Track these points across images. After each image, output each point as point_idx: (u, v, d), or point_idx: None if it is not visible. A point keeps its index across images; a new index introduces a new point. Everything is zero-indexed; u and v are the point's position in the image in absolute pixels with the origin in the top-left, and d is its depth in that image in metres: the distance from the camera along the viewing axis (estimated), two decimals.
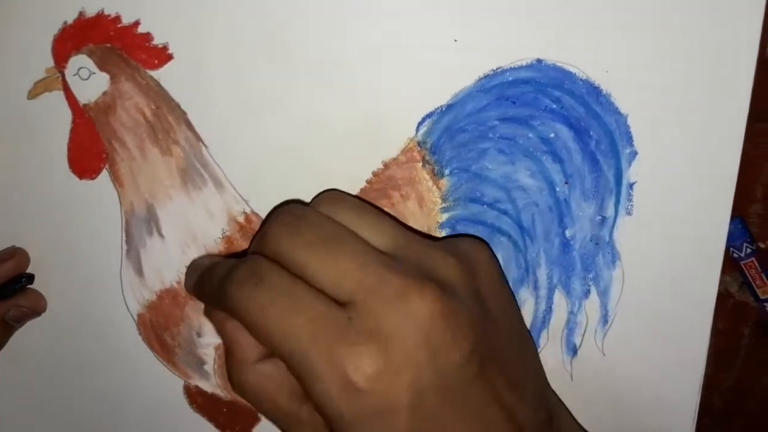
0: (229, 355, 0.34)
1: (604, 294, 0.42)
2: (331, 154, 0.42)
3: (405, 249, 0.33)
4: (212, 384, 0.46)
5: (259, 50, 0.41)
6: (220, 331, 0.35)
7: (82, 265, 0.45)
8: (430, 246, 0.34)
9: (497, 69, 0.40)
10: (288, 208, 0.34)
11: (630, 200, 0.41)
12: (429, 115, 0.41)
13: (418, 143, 0.41)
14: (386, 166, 0.42)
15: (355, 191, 0.42)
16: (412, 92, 0.41)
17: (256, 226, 0.43)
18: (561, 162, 0.41)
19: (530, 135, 0.40)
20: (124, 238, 0.44)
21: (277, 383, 0.34)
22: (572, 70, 0.40)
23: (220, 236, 0.43)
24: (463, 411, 0.31)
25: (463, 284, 0.33)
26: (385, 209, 0.42)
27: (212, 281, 0.35)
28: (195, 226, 0.43)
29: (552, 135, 0.40)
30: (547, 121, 0.40)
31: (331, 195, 0.36)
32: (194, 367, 0.46)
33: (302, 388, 0.31)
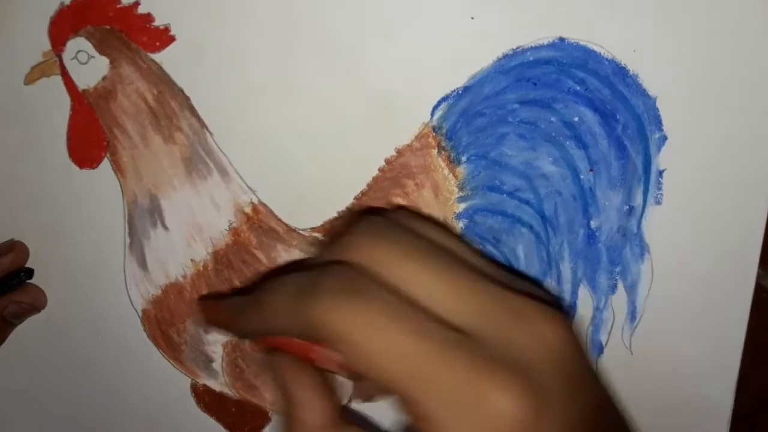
0: (289, 416, 0.30)
1: (631, 289, 0.41)
2: (341, 140, 0.41)
3: (488, 320, 0.29)
4: (220, 383, 0.45)
5: (266, 31, 0.41)
6: (284, 384, 0.31)
7: (84, 258, 0.45)
8: (517, 321, 0.29)
9: (517, 48, 0.39)
10: (371, 216, 0.32)
11: (659, 189, 0.40)
12: (444, 99, 0.40)
13: (433, 128, 0.41)
14: (399, 153, 0.41)
15: (366, 179, 0.42)
16: (427, 74, 0.40)
17: (265, 217, 0.43)
18: (585, 148, 0.40)
19: (552, 119, 0.40)
20: (126, 230, 0.44)
21: None
22: (597, 49, 0.39)
23: (227, 228, 0.43)
24: None
25: (555, 383, 0.28)
26: (399, 199, 0.41)
27: (279, 294, 0.30)
28: (200, 218, 0.43)
29: (576, 119, 0.39)
30: (570, 103, 0.39)
31: (409, 211, 0.34)
32: (201, 366, 0.45)
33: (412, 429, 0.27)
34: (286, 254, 0.43)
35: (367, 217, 0.32)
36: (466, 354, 0.26)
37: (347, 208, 0.42)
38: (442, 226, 0.32)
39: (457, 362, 0.26)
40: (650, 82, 0.39)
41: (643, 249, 0.41)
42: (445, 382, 0.26)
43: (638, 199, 0.40)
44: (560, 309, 0.29)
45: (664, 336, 0.42)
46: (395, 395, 0.27)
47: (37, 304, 0.45)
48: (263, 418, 0.46)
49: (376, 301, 0.27)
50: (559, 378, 0.27)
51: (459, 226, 0.41)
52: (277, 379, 0.31)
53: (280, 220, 0.43)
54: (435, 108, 0.40)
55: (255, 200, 0.43)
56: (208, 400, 0.46)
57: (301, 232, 0.43)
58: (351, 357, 0.27)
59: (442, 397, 0.26)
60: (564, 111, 0.39)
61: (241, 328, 0.34)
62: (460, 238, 0.32)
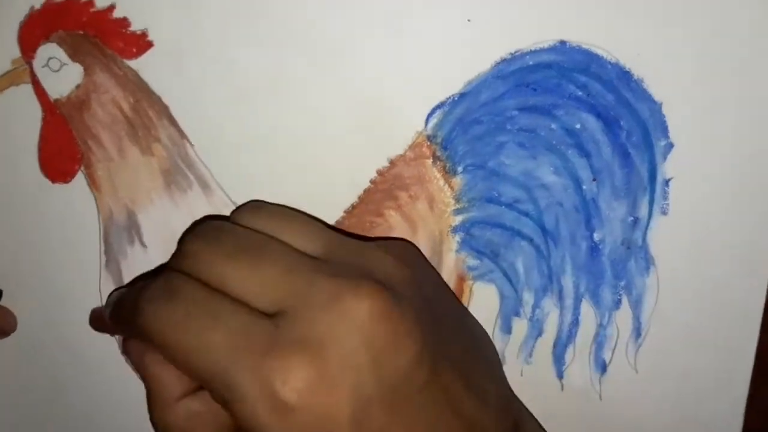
0: (149, 393, 0.33)
1: (636, 304, 0.40)
2: (330, 151, 0.41)
3: (337, 251, 0.32)
4: None
5: (249, 35, 0.40)
6: (138, 365, 0.33)
7: (56, 278, 0.44)
8: (364, 246, 0.33)
9: (516, 52, 0.38)
10: (206, 222, 0.34)
11: (665, 199, 0.39)
12: (440, 106, 0.39)
13: (428, 137, 0.40)
14: (392, 163, 0.40)
15: (357, 192, 0.41)
16: (421, 80, 0.39)
17: None
18: (588, 156, 0.39)
19: (553, 126, 0.39)
20: (102, 248, 0.43)
21: (204, 421, 0.32)
22: (600, 52, 0.38)
23: None
24: (414, 423, 0.30)
25: (404, 282, 0.32)
26: (392, 212, 0.41)
27: (125, 304, 0.34)
28: (180, 233, 0.41)
29: (578, 126, 0.39)
30: (572, 110, 0.38)
31: (251, 205, 0.35)
32: None
33: (230, 415, 0.29)
34: None
35: (203, 224, 0.34)
36: (268, 339, 0.28)
37: (336, 222, 0.41)
38: (283, 214, 0.34)
39: (257, 349, 0.28)
40: (656, 87, 0.38)
41: (648, 262, 0.40)
42: (239, 375, 0.28)
43: (643, 210, 0.39)
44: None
45: (671, 353, 0.41)
46: (215, 391, 0.29)
47: (5, 327, 0.44)
48: None
49: (185, 303, 0.30)
50: (354, 356, 0.29)
51: (455, 239, 0.41)
52: (135, 363, 0.33)
53: None
54: (429, 116, 0.40)
55: None
56: None
57: None
58: (169, 358, 0.30)
59: (238, 394, 0.28)
60: (565, 118, 0.39)
61: (116, 329, 0.38)
62: (300, 223, 0.34)
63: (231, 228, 0.33)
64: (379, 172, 0.41)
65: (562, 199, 0.40)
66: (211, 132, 0.41)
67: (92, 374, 0.45)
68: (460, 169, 0.40)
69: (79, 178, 0.42)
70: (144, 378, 0.33)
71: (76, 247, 0.43)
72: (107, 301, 0.39)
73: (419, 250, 0.35)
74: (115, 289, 0.41)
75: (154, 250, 0.42)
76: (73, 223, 0.43)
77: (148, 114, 0.41)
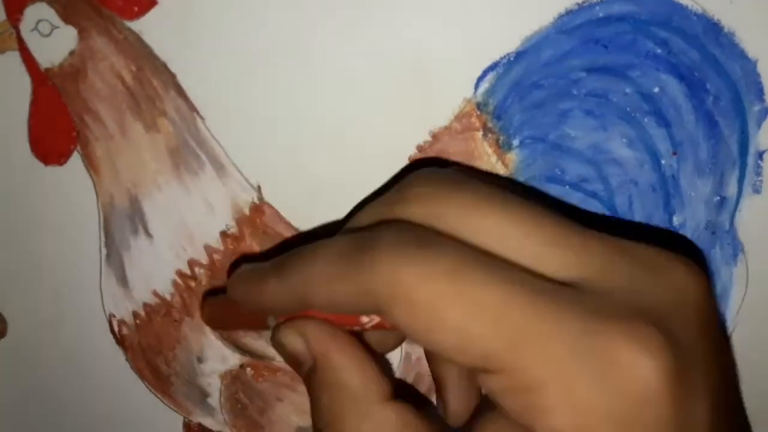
0: (337, 391, 0.28)
1: (722, 297, 0.39)
2: (363, 123, 0.39)
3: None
4: (218, 421, 0.44)
5: None
6: (316, 350, 0.28)
7: (52, 275, 0.43)
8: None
9: (583, 2, 0.36)
10: (429, 168, 0.30)
11: (759, 174, 0.38)
12: (492, 68, 0.37)
13: (478, 105, 0.38)
14: (435, 137, 0.38)
15: (394, 172, 0.39)
16: (469, 38, 0.37)
17: (270, 220, 0.40)
18: (667, 126, 0.37)
19: (627, 90, 0.37)
20: (103, 239, 0.41)
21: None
22: (683, 1, 0.36)
23: (225, 232, 0.41)
24: None
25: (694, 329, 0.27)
26: None
27: (320, 261, 0.27)
28: (191, 222, 0.41)
29: (656, 90, 0.37)
30: (649, 71, 0.37)
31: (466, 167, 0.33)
32: (195, 401, 0.43)
33: (520, 406, 0.24)
34: None
35: (418, 170, 0.29)
36: (585, 306, 0.24)
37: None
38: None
39: (574, 314, 0.24)
40: (750, 42, 0.36)
41: (736, 249, 0.39)
42: (559, 341, 0.24)
43: (732, 188, 0.38)
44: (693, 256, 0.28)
45: (761, 352, 0.40)
46: (484, 366, 0.25)
47: None
48: None
49: (453, 254, 0.25)
50: (700, 335, 0.25)
51: None
52: (310, 350, 0.29)
53: (288, 223, 0.40)
54: (480, 80, 0.37)
55: (257, 199, 0.41)
56: None
57: None
58: (428, 326, 0.24)
59: (556, 359, 0.24)
60: (641, 80, 0.37)
61: (263, 301, 0.30)
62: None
63: (479, 174, 0.30)
64: (420, 149, 0.39)
65: (636, 176, 0.38)
66: (225, 104, 0.39)
67: (95, 382, 0.44)
68: (515, 142, 0.38)
69: (75, 160, 0.41)
70: (328, 368, 0.28)
71: (72, 240, 0.42)
72: (237, 274, 0.33)
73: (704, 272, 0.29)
74: (235, 263, 0.38)
75: (162, 242, 0.41)
76: (70, 212, 0.42)
77: (152, 84, 0.39)
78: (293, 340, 0.29)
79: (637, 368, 0.23)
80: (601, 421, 0.23)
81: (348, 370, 0.28)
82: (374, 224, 0.28)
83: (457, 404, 0.34)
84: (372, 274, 0.25)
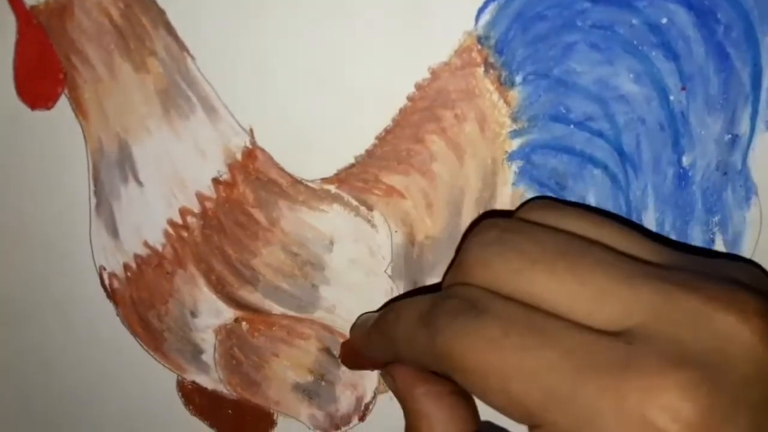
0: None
1: (734, 243, 0.38)
2: (357, 60, 0.38)
3: (672, 260, 0.29)
4: (213, 378, 0.44)
5: None
6: (405, 398, 0.33)
7: (38, 226, 0.43)
8: (706, 260, 0.29)
9: None
10: (489, 221, 0.31)
11: None
12: None
13: (479, 39, 0.37)
14: (434, 74, 0.38)
15: (391, 113, 0.38)
16: None
17: (263, 165, 0.40)
18: (676, 59, 0.36)
19: (634, 21, 0.36)
20: (92, 187, 0.41)
21: None
22: None
23: (217, 179, 0.40)
24: None
25: None
26: (434, 136, 0.39)
27: (402, 322, 0.32)
28: (182, 168, 0.40)
29: (664, 20, 0.36)
30: (656, 0, 0.36)
31: (542, 202, 0.33)
32: (189, 358, 0.43)
33: None
34: (290, 213, 0.40)
35: (485, 222, 0.31)
36: (618, 360, 0.25)
37: (367, 151, 0.39)
38: (590, 213, 0.31)
39: (610, 368, 0.25)
40: None
41: (749, 191, 0.38)
42: (588, 398, 0.25)
43: (744, 126, 0.37)
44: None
45: None
46: (529, 422, 0.27)
47: None
48: (267, 421, 0.45)
49: (500, 319, 0.27)
50: (747, 385, 0.25)
51: (512, 168, 0.39)
52: (398, 393, 0.33)
53: (282, 169, 0.40)
54: (481, 11, 0.37)
55: (250, 144, 0.40)
56: (198, 400, 0.45)
57: (309, 184, 0.40)
58: (480, 387, 0.28)
59: (584, 414, 0.25)
60: (649, 10, 0.36)
61: (370, 351, 0.36)
62: (616, 224, 0.30)
63: (529, 229, 0.30)
64: (418, 86, 0.38)
65: (644, 114, 0.37)
66: (216, 42, 0.39)
67: (84, 338, 0.44)
68: (518, 78, 0.38)
69: (63, 103, 0.41)
70: (409, 413, 0.33)
71: (60, 189, 0.42)
72: (358, 322, 0.39)
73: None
74: (363, 314, 0.41)
75: (152, 190, 0.41)
76: (57, 159, 0.42)
77: (141, 21, 0.39)
78: (389, 382, 0.33)
79: (742, 326, 0.25)
80: (721, 364, 0.25)
81: (426, 418, 0.32)
82: (448, 287, 0.31)
83: None
84: (434, 346, 0.28)
